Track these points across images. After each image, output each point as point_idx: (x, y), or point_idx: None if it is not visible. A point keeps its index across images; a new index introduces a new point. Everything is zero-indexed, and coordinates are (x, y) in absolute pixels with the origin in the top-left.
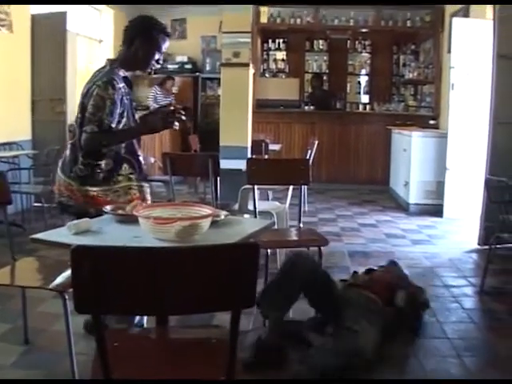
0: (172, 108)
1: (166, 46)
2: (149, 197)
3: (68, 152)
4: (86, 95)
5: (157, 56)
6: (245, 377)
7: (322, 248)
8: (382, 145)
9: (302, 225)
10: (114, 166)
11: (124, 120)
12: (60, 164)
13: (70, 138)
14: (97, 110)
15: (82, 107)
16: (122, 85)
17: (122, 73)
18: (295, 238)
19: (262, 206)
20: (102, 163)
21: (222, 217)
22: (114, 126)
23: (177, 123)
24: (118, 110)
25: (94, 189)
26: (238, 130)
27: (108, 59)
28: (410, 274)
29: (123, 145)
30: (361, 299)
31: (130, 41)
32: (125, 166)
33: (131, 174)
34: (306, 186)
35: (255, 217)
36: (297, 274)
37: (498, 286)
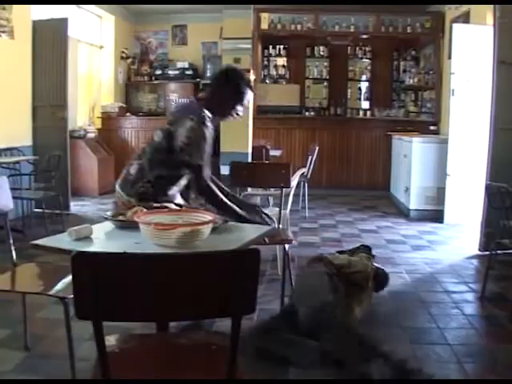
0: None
1: (249, 99)
2: None
3: (133, 171)
4: (174, 123)
5: (239, 108)
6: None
7: (287, 246)
8: (383, 150)
9: (281, 226)
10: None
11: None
12: (120, 181)
13: (135, 157)
14: (193, 143)
15: (168, 134)
16: (211, 126)
17: (209, 114)
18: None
19: None
20: (171, 188)
21: (222, 223)
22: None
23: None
24: (208, 149)
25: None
26: (238, 136)
27: (194, 97)
28: (411, 280)
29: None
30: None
31: (217, 88)
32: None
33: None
34: (286, 189)
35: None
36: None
37: (498, 291)
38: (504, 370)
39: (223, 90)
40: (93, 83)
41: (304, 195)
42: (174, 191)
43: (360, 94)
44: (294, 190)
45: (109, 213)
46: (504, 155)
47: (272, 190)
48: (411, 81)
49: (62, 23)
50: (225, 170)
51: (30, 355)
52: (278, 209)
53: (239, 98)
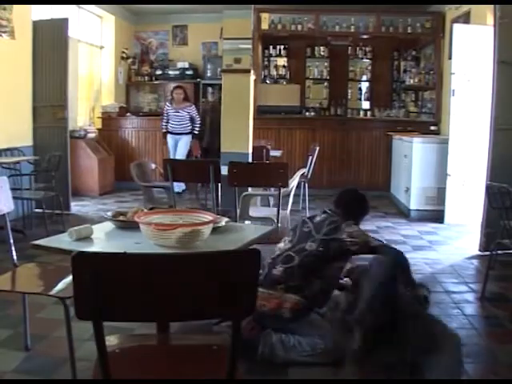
0: None
1: None
2: None
3: (277, 272)
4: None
5: None
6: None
7: None
8: (383, 151)
9: (280, 224)
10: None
11: None
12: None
13: (282, 263)
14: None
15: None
16: None
17: None
18: None
19: (263, 212)
20: None
21: (223, 223)
22: None
23: None
24: None
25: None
26: (238, 137)
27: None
28: None
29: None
30: None
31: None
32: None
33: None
34: (286, 189)
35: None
36: None
37: (498, 292)
38: (504, 370)
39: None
40: (93, 83)
41: (304, 195)
42: None
43: (360, 94)
44: (294, 191)
45: (109, 213)
46: (504, 155)
47: (272, 189)
48: (411, 81)
49: (63, 23)
50: (224, 171)
51: (30, 355)
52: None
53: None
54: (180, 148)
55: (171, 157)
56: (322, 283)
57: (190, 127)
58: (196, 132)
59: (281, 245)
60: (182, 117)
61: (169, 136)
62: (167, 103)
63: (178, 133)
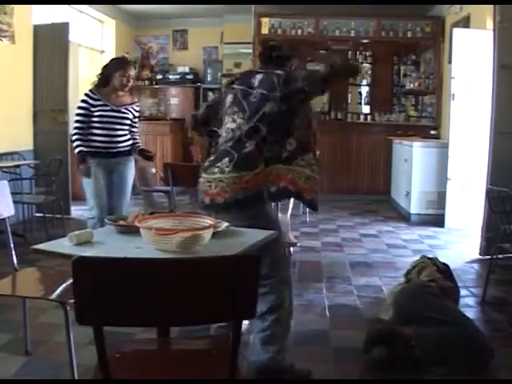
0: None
1: None
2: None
3: (250, 149)
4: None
5: None
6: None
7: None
8: (383, 155)
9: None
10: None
11: None
12: (231, 167)
13: (238, 142)
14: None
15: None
16: None
17: None
18: None
19: None
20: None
21: (223, 228)
22: None
23: None
24: None
25: (277, 166)
26: None
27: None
28: None
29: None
30: None
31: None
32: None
33: (313, 164)
34: None
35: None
36: None
37: (499, 296)
38: (506, 373)
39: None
40: None
41: None
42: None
43: (360, 98)
44: None
45: (109, 217)
46: (504, 159)
47: None
48: (412, 85)
49: (63, 28)
50: None
51: (30, 360)
52: (279, 213)
53: None
54: None
55: None
56: (297, 139)
57: None
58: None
59: (229, 125)
60: None
61: None
62: None
63: None
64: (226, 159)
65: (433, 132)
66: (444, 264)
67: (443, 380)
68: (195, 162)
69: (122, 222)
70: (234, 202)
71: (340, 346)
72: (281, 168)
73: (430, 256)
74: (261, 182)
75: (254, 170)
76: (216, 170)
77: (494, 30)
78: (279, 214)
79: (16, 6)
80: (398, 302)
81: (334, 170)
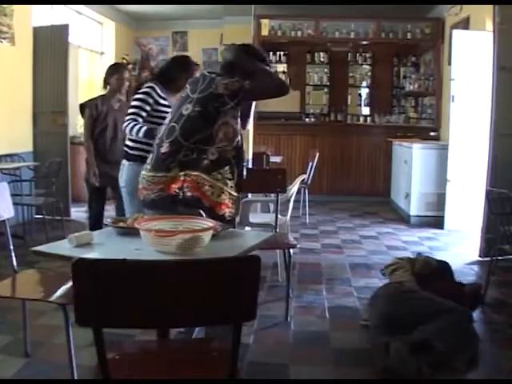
0: None
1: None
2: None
3: (166, 150)
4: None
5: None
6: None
7: (291, 250)
8: (383, 157)
9: (278, 229)
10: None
11: None
12: (150, 166)
13: (161, 141)
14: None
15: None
16: None
17: None
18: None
19: (263, 218)
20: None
21: (223, 230)
22: None
23: None
24: None
25: (194, 173)
26: None
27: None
28: None
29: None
30: None
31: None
32: (227, 168)
33: (230, 179)
34: (282, 195)
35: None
36: None
37: (499, 297)
38: (506, 375)
39: None
40: (94, 89)
41: (304, 201)
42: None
43: (360, 100)
44: (294, 197)
45: (109, 219)
46: (504, 161)
47: (273, 196)
48: (411, 87)
49: (63, 29)
50: None
51: (30, 362)
52: (279, 215)
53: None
54: None
55: None
56: (219, 152)
57: None
58: None
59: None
60: None
61: None
62: None
63: None
64: (150, 156)
65: (432, 134)
66: (444, 262)
67: (445, 380)
68: None
69: (121, 224)
70: (150, 201)
71: (340, 348)
72: (199, 176)
73: (426, 255)
74: (177, 186)
75: (168, 173)
76: (145, 166)
77: (494, 32)
78: (279, 216)
79: (16, 8)
80: (379, 309)
81: (334, 172)
